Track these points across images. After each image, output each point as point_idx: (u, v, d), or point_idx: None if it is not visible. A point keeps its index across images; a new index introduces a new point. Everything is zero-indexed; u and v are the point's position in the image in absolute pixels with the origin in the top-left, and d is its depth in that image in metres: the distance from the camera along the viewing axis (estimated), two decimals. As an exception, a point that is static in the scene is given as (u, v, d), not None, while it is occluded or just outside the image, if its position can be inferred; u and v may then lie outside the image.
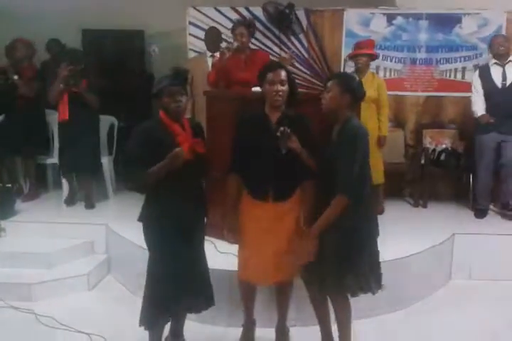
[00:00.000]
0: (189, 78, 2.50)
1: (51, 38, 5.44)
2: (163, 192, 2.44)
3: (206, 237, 3.31)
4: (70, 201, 4.50)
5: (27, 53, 4.52)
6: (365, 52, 4.22)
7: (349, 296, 2.53)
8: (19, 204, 4.38)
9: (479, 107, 4.29)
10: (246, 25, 4.14)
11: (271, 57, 4.49)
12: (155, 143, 2.38)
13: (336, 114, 2.44)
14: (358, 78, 2.51)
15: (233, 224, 2.65)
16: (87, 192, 4.50)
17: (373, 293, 2.52)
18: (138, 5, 5.80)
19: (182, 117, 2.50)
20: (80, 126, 4.23)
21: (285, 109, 2.58)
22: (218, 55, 4.18)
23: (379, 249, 2.56)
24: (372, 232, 2.49)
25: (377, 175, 4.27)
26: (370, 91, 4.15)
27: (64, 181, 4.59)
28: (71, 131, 4.25)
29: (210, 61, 4.53)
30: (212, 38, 4.61)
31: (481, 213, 4.34)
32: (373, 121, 4.19)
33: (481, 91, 4.30)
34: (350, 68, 4.86)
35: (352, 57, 4.33)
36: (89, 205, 4.44)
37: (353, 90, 2.43)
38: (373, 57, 4.31)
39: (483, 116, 4.27)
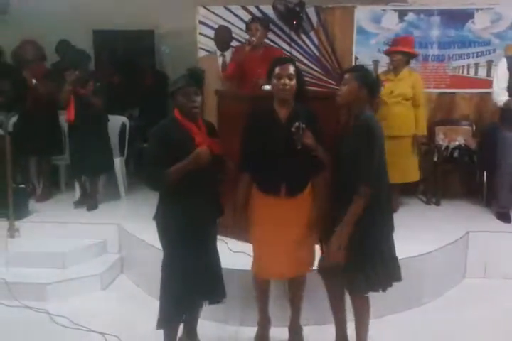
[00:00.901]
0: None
1: (61, 39, 5.47)
2: (178, 191, 2.44)
3: (219, 236, 3.33)
4: (80, 203, 4.48)
5: (36, 54, 4.51)
6: (398, 49, 4.16)
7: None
8: (33, 205, 4.41)
9: (503, 94, 4.06)
10: (260, 21, 4.17)
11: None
12: (172, 142, 2.39)
13: (352, 108, 2.42)
14: (375, 73, 2.49)
15: (243, 222, 2.65)
16: (92, 193, 4.52)
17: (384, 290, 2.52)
18: (148, 5, 5.82)
19: (197, 117, 2.50)
20: (87, 128, 4.25)
21: (294, 104, 2.57)
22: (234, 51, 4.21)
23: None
24: (390, 228, 2.48)
25: (412, 173, 4.26)
26: (402, 88, 4.13)
27: (76, 183, 4.63)
28: (79, 133, 4.29)
29: (220, 60, 4.53)
30: (223, 37, 4.60)
31: (505, 216, 4.13)
32: (405, 118, 4.15)
33: (504, 83, 4.08)
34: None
35: (387, 54, 4.30)
36: (92, 206, 4.41)
37: (370, 84, 2.40)
38: (411, 54, 4.20)
39: (509, 100, 4.02)
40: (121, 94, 5.58)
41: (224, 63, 4.56)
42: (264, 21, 4.27)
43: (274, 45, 4.90)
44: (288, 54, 4.73)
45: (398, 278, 2.53)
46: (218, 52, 4.60)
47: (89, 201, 4.45)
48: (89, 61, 4.45)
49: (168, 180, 2.37)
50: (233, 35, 4.97)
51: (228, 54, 4.62)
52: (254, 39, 4.07)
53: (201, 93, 2.47)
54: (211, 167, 2.45)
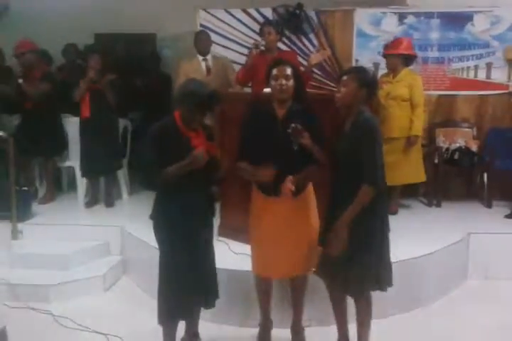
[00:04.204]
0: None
1: (66, 42, 5.49)
2: (173, 191, 2.47)
3: (220, 238, 3.36)
4: (92, 203, 4.58)
5: (31, 56, 4.49)
6: (389, 52, 4.22)
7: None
8: (35, 207, 4.43)
9: None
10: (274, 25, 4.22)
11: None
12: (171, 144, 2.41)
13: (350, 108, 2.45)
14: (373, 72, 2.53)
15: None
16: (109, 190, 4.61)
17: (385, 290, 2.53)
18: (149, 8, 5.84)
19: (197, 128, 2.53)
20: (101, 124, 4.35)
21: (292, 104, 2.61)
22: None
23: (394, 248, 2.57)
24: (386, 228, 2.50)
25: (415, 174, 4.29)
26: (399, 90, 4.17)
27: (80, 183, 4.64)
28: (93, 129, 4.37)
29: (203, 65, 4.55)
30: (203, 41, 4.59)
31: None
32: (404, 120, 4.17)
33: None
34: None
35: (384, 57, 4.36)
36: (110, 203, 4.55)
37: (369, 84, 2.44)
38: (407, 56, 4.21)
39: None
40: (124, 97, 5.61)
41: (208, 67, 4.55)
42: (277, 25, 4.30)
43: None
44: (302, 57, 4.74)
45: (390, 283, 2.54)
46: (200, 57, 4.60)
47: (107, 198, 4.57)
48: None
49: (163, 179, 2.40)
50: (234, 38, 5.02)
51: (209, 58, 4.60)
52: (263, 42, 4.09)
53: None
54: (206, 168, 2.48)
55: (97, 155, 4.42)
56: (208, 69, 4.56)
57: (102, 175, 4.65)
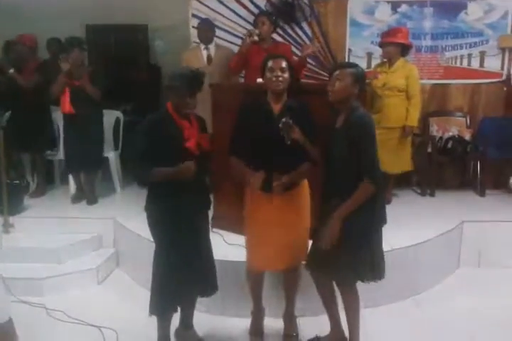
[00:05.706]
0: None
1: (52, 35, 5.42)
2: (167, 184, 2.45)
3: (214, 229, 3.36)
4: (77, 199, 4.49)
5: (27, 50, 4.47)
6: (388, 40, 4.18)
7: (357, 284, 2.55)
8: (27, 201, 4.40)
9: None
10: (267, 15, 4.22)
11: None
12: (162, 136, 2.40)
13: (344, 103, 2.44)
14: (369, 65, 2.57)
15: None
16: (91, 187, 4.50)
17: (375, 281, 2.53)
18: (141, -1, 5.79)
19: (190, 114, 2.52)
20: (83, 120, 4.23)
21: (287, 99, 2.60)
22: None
23: (387, 237, 2.57)
24: (380, 220, 2.49)
25: (407, 163, 4.30)
26: (395, 80, 4.15)
27: (70, 178, 4.61)
28: (75, 124, 4.26)
29: (205, 53, 4.52)
30: (206, 30, 4.55)
31: None
32: (399, 110, 4.16)
33: None
34: (354, 58, 4.86)
35: (380, 46, 4.33)
36: (92, 201, 4.43)
37: (362, 80, 2.45)
38: (404, 45, 4.18)
39: None
40: (116, 88, 5.57)
41: (209, 56, 4.53)
42: (272, 15, 4.28)
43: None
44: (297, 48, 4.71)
45: (382, 275, 2.53)
46: (202, 46, 4.57)
47: (89, 195, 4.46)
48: (86, 50, 4.41)
49: (150, 178, 2.41)
50: (226, 28, 4.98)
51: (212, 47, 4.57)
52: (257, 31, 4.08)
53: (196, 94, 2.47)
54: (198, 160, 2.47)
55: (77, 151, 4.30)
56: (209, 59, 4.53)
57: (83, 171, 4.50)
